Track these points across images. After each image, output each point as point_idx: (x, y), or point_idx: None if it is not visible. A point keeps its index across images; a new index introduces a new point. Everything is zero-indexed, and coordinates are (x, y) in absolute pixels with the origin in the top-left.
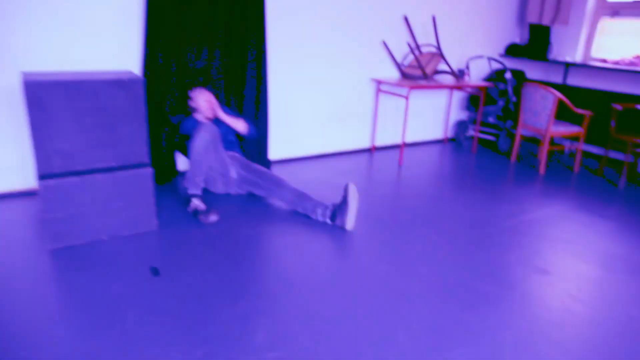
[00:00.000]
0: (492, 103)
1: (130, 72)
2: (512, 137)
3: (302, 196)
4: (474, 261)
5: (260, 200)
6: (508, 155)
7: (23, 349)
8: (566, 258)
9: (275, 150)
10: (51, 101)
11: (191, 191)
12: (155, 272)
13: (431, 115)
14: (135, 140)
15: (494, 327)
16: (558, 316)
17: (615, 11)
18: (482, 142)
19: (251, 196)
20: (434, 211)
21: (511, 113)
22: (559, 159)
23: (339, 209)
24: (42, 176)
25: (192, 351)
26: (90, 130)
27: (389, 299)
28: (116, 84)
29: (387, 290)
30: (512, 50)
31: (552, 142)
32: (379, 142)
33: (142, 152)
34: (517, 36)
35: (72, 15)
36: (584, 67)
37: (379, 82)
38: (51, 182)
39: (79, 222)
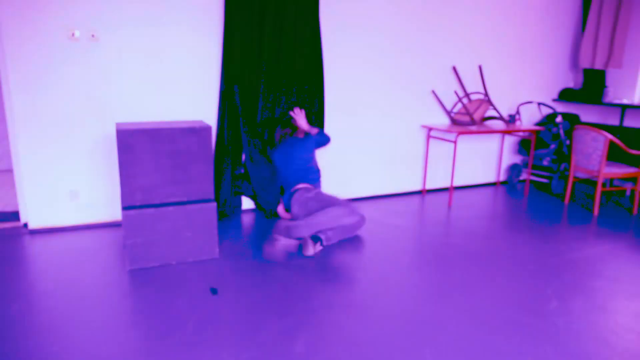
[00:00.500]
0: (545, 147)
1: (201, 122)
2: (566, 179)
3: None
4: (509, 293)
5: None
6: (562, 197)
7: (104, 344)
8: (607, 293)
9: (331, 191)
10: (137, 146)
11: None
12: (214, 291)
13: (483, 159)
14: (203, 178)
15: (518, 350)
16: (589, 346)
17: None
18: (535, 184)
19: None
20: (478, 249)
21: (565, 156)
22: (619, 201)
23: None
24: (125, 207)
25: (240, 355)
26: (166, 170)
27: (422, 321)
28: (189, 131)
29: (421, 314)
30: (565, 95)
31: (612, 184)
32: (430, 185)
33: (208, 189)
34: (571, 81)
35: (158, 75)
36: None
37: (429, 129)
38: (132, 212)
39: (153, 248)
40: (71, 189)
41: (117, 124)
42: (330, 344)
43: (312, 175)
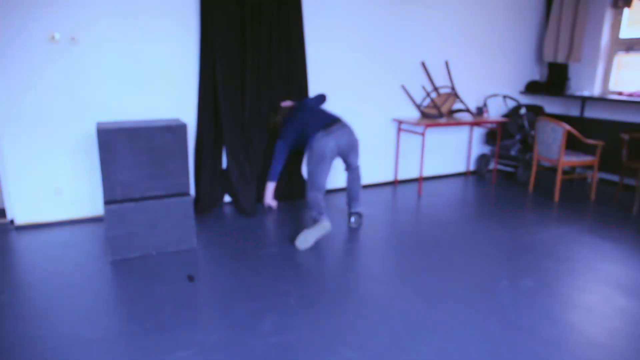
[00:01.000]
0: (511, 137)
1: (178, 120)
2: (530, 168)
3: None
4: (464, 275)
5: (287, 223)
6: (527, 185)
7: (87, 328)
8: (554, 272)
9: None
10: (116, 143)
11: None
12: (190, 278)
13: (454, 150)
14: (180, 174)
15: (465, 324)
16: (533, 319)
17: (629, 46)
18: (503, 174)
19: (278, 220)
20: (442, 235)
21: (530, 146)
22: (580, 188)
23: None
24: (107, 202)
25: (212, 333)
26: (145, 166)
27: (381, 303)
28: (166, 129)
29: (381, 296)
30: (531, 87)
31: (573, 171)
32: (402, 176)
33: (185, 183)
34: (537, 74)
35: (137, 75)
36: (599, 100)
37: (399, 122)
38: (114, 206)
39: (134, 240)
40: (55, 186)
41: (98, 123)
42: (297, 324)
43: (332, 115)
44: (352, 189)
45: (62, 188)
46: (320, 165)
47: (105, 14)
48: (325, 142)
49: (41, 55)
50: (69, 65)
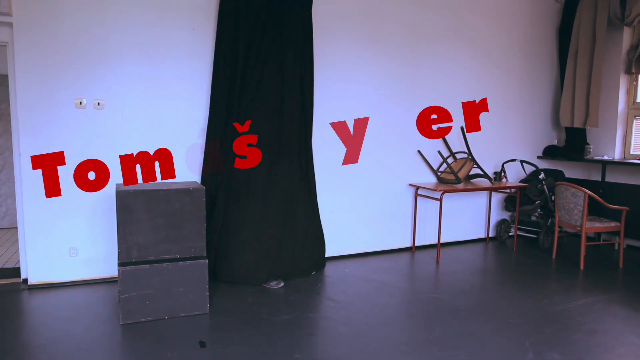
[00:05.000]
0: (531, 203)
1: (196, 183)
2: (553, 234)
3: None
4: (488, 346)
5: (303, 290)
6: (549, 251)
7: None
8: (583, 346)
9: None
10: (134, 205)
11: None
12: (202, 344)
13: (472, 216)
14: (195, 236)
15: None
16: None
17: None
18: (524, 240)
19: (292, 287)
20: (462, 304)
21: (551, 211)
22: (607, 255)
23: None
24: (121, 264)
25: None
26: (162, 228)
27: None
28: (183, 192)
29: None
30: (549, 152)
31: (598, 238)
32: (420, 242)
33: (200, 246)
34: (554, 138)
35: (156, 138)
36: (620, 164)
37: (416, 187)
38: (128, 268)
39: (147, 303)
40: (71, 247)
41: (117, 185)
42: None
43: None
44: None
45: (77, 248)
46: None
47: (130, 81)
48: None
49: (68, 119)
50: (93, 128)
